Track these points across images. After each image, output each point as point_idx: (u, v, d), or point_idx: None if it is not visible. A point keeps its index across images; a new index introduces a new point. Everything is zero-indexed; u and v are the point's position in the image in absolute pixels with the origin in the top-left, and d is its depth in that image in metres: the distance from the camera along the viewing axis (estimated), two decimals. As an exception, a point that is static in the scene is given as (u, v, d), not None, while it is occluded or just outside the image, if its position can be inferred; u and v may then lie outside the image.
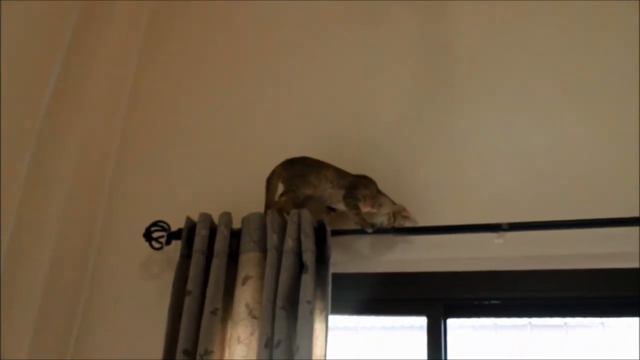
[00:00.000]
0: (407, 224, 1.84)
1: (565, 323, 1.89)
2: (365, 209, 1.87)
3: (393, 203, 1.87)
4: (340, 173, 1.92)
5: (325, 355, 1.72)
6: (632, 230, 1.72)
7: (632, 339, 1.81)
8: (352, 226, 1.87)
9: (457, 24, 2.20)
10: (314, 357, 1.69)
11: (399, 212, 1.84)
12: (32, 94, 2.17)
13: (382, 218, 1.84)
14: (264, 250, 1.84)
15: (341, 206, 1.90)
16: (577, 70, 2.02)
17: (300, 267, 1.78)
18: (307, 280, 1.75)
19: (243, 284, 1.80)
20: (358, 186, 1.87)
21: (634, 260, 1.73)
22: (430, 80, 2.13)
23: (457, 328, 1.94)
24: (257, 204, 1.94)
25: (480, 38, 2.16)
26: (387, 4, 2.27)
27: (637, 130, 1.87)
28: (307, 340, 1.68)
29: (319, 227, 1.83)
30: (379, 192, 1.89)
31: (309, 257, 1.77)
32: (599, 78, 1.99)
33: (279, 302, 1.73)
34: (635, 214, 1.72)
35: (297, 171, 1.93)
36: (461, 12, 2.21)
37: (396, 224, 1.82)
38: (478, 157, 1.99)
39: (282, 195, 1.95)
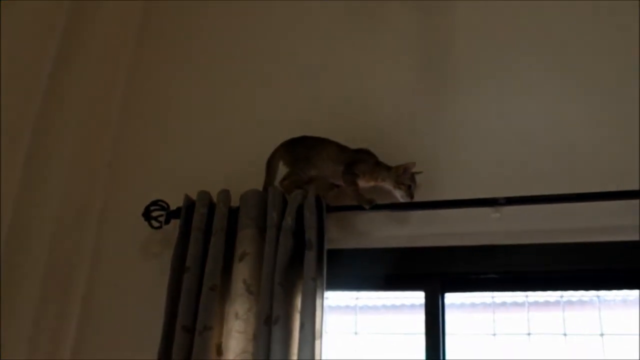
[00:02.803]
0: (415, 174, 1.85)
1: (562, 296, 1.89)
2: (368, 183, 1.87)
3: (388, 169, 1.87)
4: (341, 149, 1.93)
5: (322, 331, 1.72)
6: (629, 203, 1.73)
7: (628, 313, 1.82)
8: (352, 202, 1.88)
9: (457, 11, 2.19)
10: (319, 334, 1.70)
11: (399, 176, 1.84)
12: (31, 76, 2.17)
13: (397, 193, 1.85)
14: (260, 227, 1.85)
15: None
16: (572, 48, 2.02)
17: (298, 244, 1.79)
18: (311, 257, 1.75)
19: (240, 260, 1.81)
20: (356, 162, 1.88)
21: (631, 233, 1.74)
22: (431, 64, 2.13)
23: (455, 306, 1.94)
24: (255, 182, 1.95)
25: (478, 22, 2.15)
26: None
27: (635, 106, 1.88)
28: (311, 317, 1.69)
29: (317, 203, 1.83)
30: (377, 164, 1.88)
31: (312, 234, 1.78)
32: (594, 55, 1.99)
33: (277, 279, 1.74)
34: (631, 188, 1.72)
35: (299, 153, 1.94)
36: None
37: (411, 188, 1.83)
38: (475, 133, 1.99)
39: (284, 178, 1.95)
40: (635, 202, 1.72)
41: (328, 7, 2.31)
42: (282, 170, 1.99)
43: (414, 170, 1.85)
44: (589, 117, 1.92)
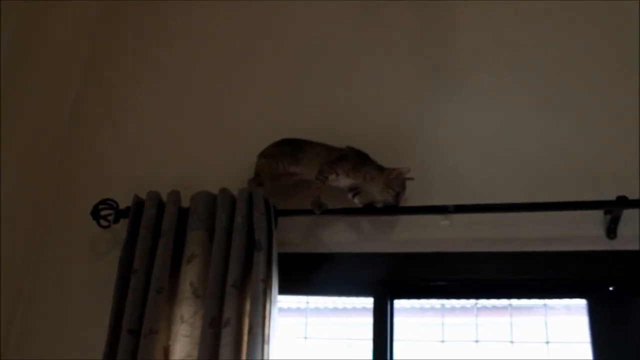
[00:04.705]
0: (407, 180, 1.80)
1: (510, 304, 1.91)
2: (354, 180, 1.84)
3: (381, 170, 1.81)
4: (328, 148, 1.90)
5: (272, 335, 1.71)
6: (577, 214, 1.76)
7: (573, 319, 1.86)
8: (302, 206, 1.87)
9: (418, 21, 2.19)
10: (269, 336, 1.69)
11: (390, 180, 1.78)
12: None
13: (382, 196, 1.80)
14: (209, 229, 1.82)
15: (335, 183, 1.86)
16: (533, 59, 2.02)
17: (250, 245, 1.78)
18: (260, 258, 1.74)
19: (188, 262, 1.78)
20: (340, 159, 1.85)
21: (579, 244, 1.77)
22: (393, 73, 2.12)
23: (404, 311, 1.95)
24: (207, 183, 1.92)
25: (439, 33, 2.14)
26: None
27: (586, 119, 1.90)
28: (259, 319, 1.68)
29: (266, 205, 1.82)
30: (365, 162, 1.84)
31: (262, 235, 1.77)
32: (553, 65, 2.00)
33: (230, 281, 1.72)
34: (580, 199, 1.74)
35: (285, 149, 1.92)
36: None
37: (399, 195, 1.78)
38: (428, 141, 1.99)
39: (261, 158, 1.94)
40: (582, 212, 1.75)
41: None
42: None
43: (406, 175, 1.80)
44: (541, 127, 1.93)
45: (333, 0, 2.26)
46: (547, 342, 1.85)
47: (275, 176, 1.91)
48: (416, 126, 2.02)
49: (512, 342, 1.88)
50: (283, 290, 1.78)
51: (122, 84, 2.33)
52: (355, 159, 1.85)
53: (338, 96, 2.12)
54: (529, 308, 1.92)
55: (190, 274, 1.77)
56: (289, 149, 1.92)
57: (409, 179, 1.81)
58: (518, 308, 1.92)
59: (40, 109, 2.21)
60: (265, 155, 1.94)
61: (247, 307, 1.73)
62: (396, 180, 1.79)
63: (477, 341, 1.90)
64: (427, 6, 2.17)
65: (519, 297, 1.89)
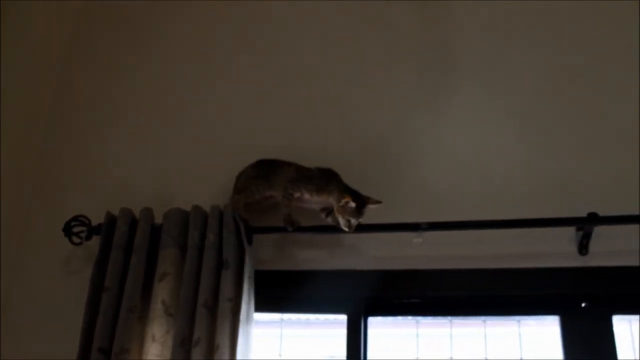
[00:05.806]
0: (369, 205, 1.76)
1: (484, 320, 1.92)
2: (318, 199, 1.83)
3: (341, 192, 1.77)
4: (299, 169, 1.89)
5: (246, 353, 1.70)
6: (547, 230, 1.77)
7: (545, 335, 1.88)
8: (276, 224, 1.85)
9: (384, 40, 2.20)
10: (238, 356, 1.67)
11: (339, 206, 1.75)
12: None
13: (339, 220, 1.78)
14: (181, 247, 1.81)
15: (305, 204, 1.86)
16: (507, 78, 2.04)
17: (220, 263, 1.77)
18: (228, 276, 1.73)
19: (160, 280, 1.77)
20: (306, 179, 1.84)
21: (551, 260, 1.78)
22: (376, 88, 2.12)
23: (378, 323, 1.94)
24: (180, 201, 1.91)
25: (410, 48, 2.16)
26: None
27: (559, 139, 1.92)
28: (227, 338, 1.67)
29: (235, 222, 1.81)
30: (327, 184, 1.81)
31: (230, 253, 1.76)
32: (526, 84, 2.02)
33: (201, 300, 1.71)
34: (550, 215, 1.75)
35: (261, 171, 1.91)
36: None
37: (350, 222, 1.76)
38: (402, 156, 1.99)
39: (239, 192, 1.91)
40: (555, 229, 1.76)
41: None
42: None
43: (374, 203, 1.77)
44: (514, 145, 1.94)
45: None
46: None
47: (251, 203, 1.90)
48: (391, 143, 2.02)
49: (486, 359, 1.88)
50: (257, 308, 1.78)
51: (95, 101, 2.30)
52: (320, 181, 1.83)
53: (311, 112, 2.13)
54: (502, 323, 1.93)
55: (162, 293, 1.76)
56: (263, 171, 1.91)
57: (376, 202, 1.78)
58: (492, 323, 1.92)
59: (13, 124, 2.17)
60: (242, 176, 1.93)
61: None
62: (343, 209, 1.76)
63: (451, 359, 1.90)
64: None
65: (492, 314, 1.91)
